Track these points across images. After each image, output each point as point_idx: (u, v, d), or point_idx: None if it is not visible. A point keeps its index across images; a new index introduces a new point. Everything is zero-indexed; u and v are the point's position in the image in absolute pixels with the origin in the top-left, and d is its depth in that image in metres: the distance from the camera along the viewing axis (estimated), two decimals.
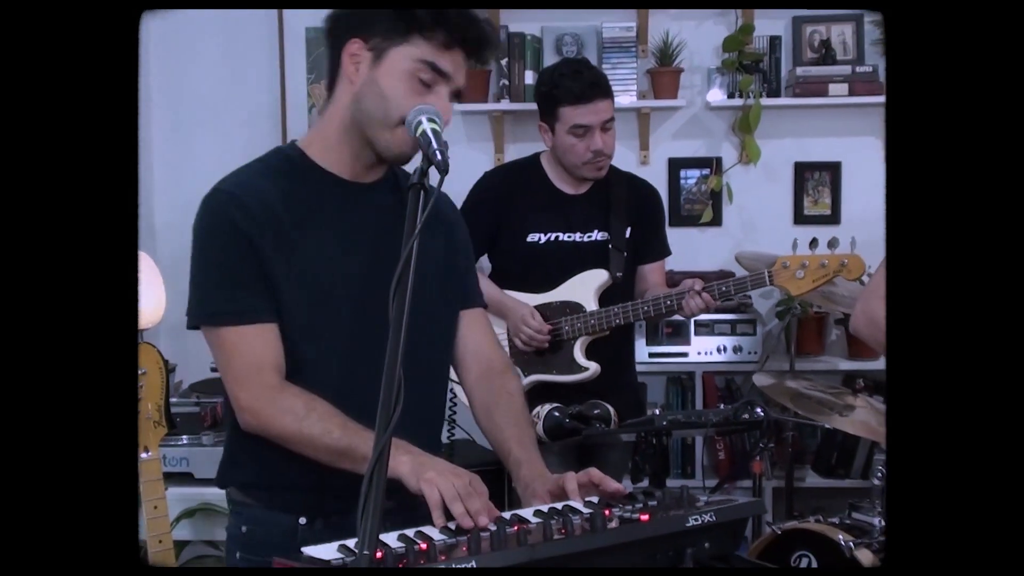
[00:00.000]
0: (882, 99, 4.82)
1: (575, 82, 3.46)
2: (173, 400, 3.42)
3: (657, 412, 3.48)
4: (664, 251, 3.78)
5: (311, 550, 1.66)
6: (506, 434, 2.27)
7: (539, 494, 2.05)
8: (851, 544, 3.32)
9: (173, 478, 3.84)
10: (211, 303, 2.09)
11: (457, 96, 2.11)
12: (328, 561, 1.63)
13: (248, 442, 2.13)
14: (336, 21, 2.13)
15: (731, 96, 4.96)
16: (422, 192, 1.69)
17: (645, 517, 1.73)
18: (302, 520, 2.15)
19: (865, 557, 3.31)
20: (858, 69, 4.89)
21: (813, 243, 3.37)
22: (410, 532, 1.73)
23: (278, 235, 2.09)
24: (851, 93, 4.86)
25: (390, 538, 1.69)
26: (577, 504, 1.90)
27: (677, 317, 3.78)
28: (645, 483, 3.29)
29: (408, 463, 1.92)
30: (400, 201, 1.97)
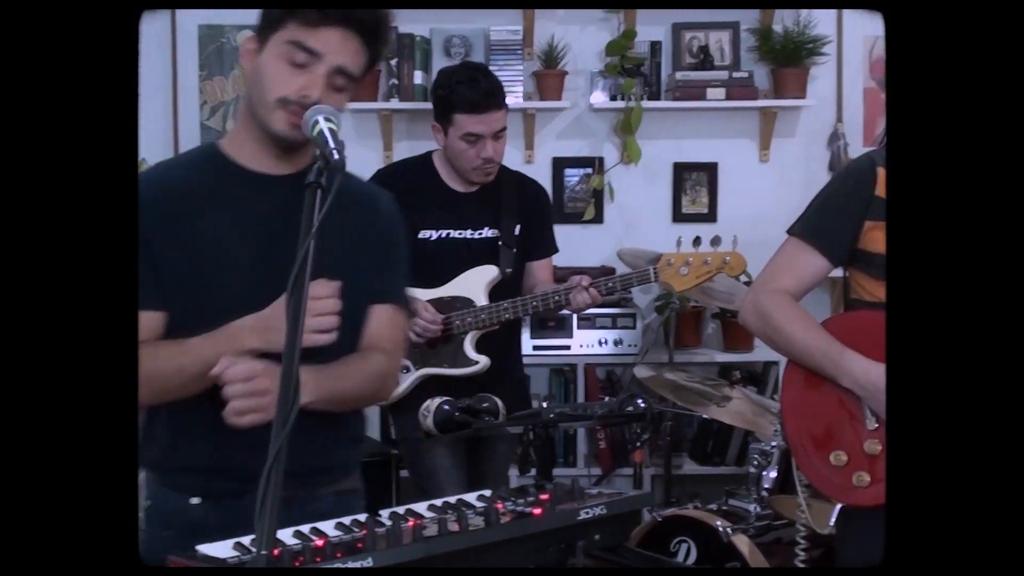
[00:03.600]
0: (757, 103, 5.04)
1: (471, 91, 3.52)
2: None
3: (544, 405, 3.59)
4: (552, 248, 3.86)
5: (206, 548, 1.65)
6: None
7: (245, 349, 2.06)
8: (728, 529, 3.47)
9: None
10: None
11: (345, 77, 2.09)
12: (224, 560, 1.63)
13: (148, 423, 2.18)
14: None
15: (613, 98, 5.09)
16: (319, 191, 1.68)
17: (538, 511, 1.80)
18: (194, 500, 2.18)
19: (742, 542, 3.46)
20: (735, 74, 5.07)
21: (696, 241, 3.47)
22: (305, 528, 1.74)
23: (174, 225, 2.11)
24: (728, 97, 5.04)
25: (286, 534, 1.70)
26: (470, 498, 1.94)
27: (563, 310, 3.88)
28: (533, 474, 3.40)
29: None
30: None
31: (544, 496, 1.90)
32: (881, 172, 2.46)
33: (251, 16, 2.22)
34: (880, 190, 2.45)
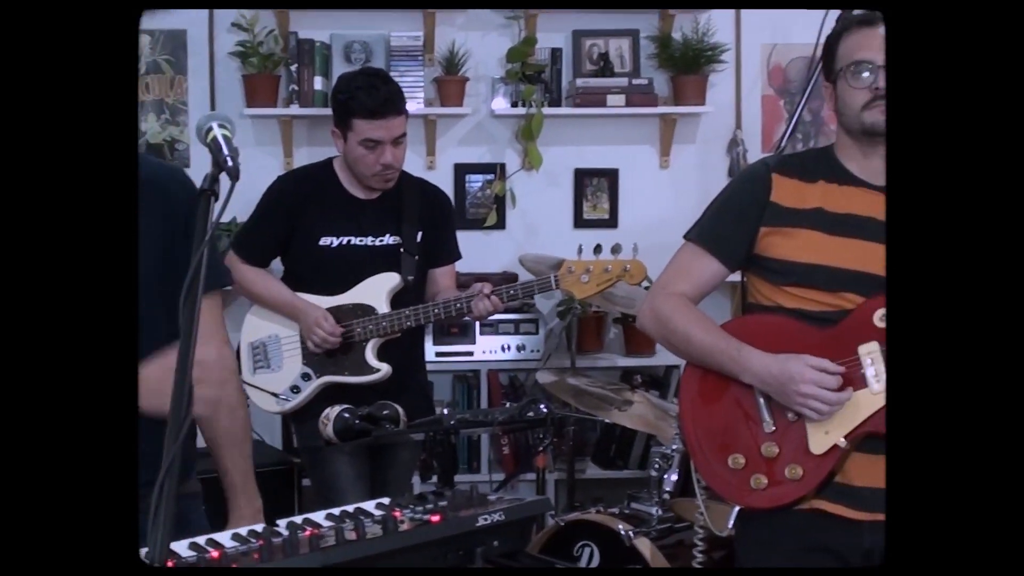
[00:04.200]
0: (657, 110, 5.10)
1: (370, 97, 3.51)
2: None
3: (445, 411, 3.59)
4: (454, 255, 3.87)
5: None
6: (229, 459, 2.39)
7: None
8: (630, 533, 3.49)
9: None
10: None
11: None
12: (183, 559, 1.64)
13: None
14: None
15: (515, 105, 5.11)
16: (212, 198, 1.67)
17: (436, 518, 1.81)
18: None
19: (644, 545, 3.49)
20: (634, 81, 5.11)
21: (597, 249, 3.49)
22: (201, 540, 1.74)
23: None
24: (628, 104, 5.09)
25: (181, 546, 1.70)
26: (368, 507, 1.95)
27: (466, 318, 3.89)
28: (434, 481, 3.40)
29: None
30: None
31: (443, 503, 1.91)
32: (776, 178, 2.50)
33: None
34: (775, 196, 2.49)
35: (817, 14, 3.18)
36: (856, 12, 2.55)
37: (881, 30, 2.45)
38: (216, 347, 2.30)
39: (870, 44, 2.43)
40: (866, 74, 2.42)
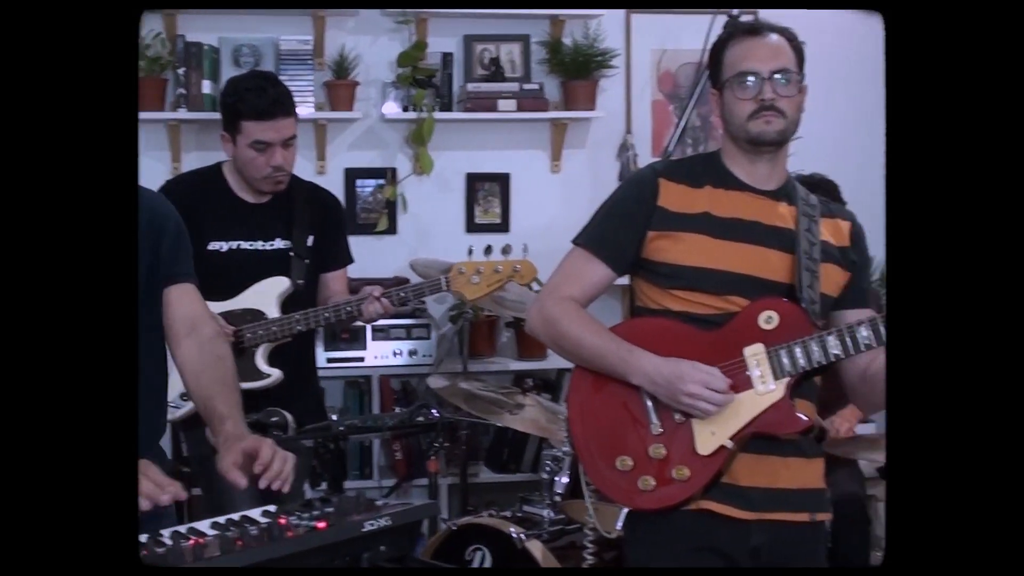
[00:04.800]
0: (547, 115, 5.13)
1: (259, 98, 3.48)
2: None
3: (335, 417, 3.58)
4: (345, 259, 3.84)
5: None
6: (213, 391, 2.31)
7: (233, 451, 2.13)
8: (522, 536, 3.51)
9: None
10: None
11: None
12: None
13: None
14: None
15: (406, 109, 5.09)
16: None
17: (322, 524, 1.80)
18: None
19: (536, 548, 3.50)
20: (525, 86, 5.14)
21: (488, 250, 3.52)
22: None
23: None
24: (519, 109, 5.11)
25: None
26: (254, 514, 1.94)
27: (356, 321, 3.87)
28: (324, 487, 3.39)
29: None
30: None
31: (329, 509, 1.90)
32: (663, 182, 2.53)
33: None
34: (663, 200, 2.51)
35: (706, 20, 3.22)
36: (742, 20, 2.59)
37: (767, 39, 2.49)
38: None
39: (755, 54, 2.47)
40: (751, 85, 2.46)
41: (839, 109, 5.41)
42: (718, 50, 2.56)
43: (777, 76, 2.46)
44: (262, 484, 2.04)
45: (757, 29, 2.52)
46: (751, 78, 2.45)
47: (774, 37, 2.51)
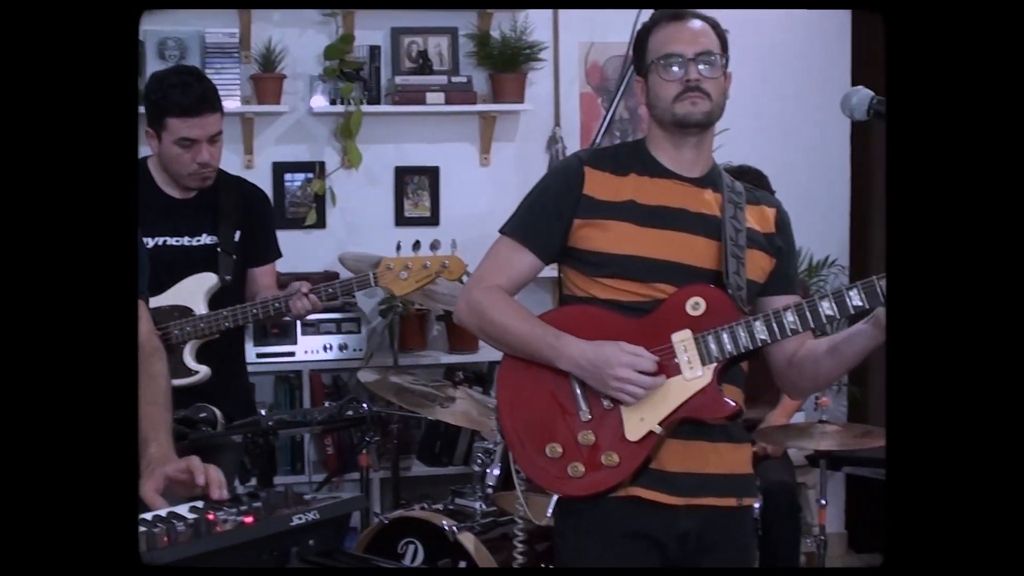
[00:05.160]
0: (476, 108, 5.13)
1: (184, 95, 3.45)
2: None
3: (263, 412, 3.55)
4: (274, 254, 3.82)
5: None
6: (140, 412, 2.27)
7: (155, 477, 2.07)
8: (455, 528, 3.52)
9: None
10: None
11: None
12: None
13: None
14: None
15: (333, 102, 5.06)
16: None
17: (250, 519, 1.79)
18: None
19: (468, 540, 3.51)
20: (454, 79, 5.13)
21: (416, 245, 3.51)
22: None
23: None
24: (447, 102, 5.10)
25: None
26: (181, 510, 1.91)
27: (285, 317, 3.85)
28: (254, 483, 3.37)
29: None
30: None
31: (257, 504, 1.88)
32: (588, 171, 2.54)
33: None
34: (588, 188, 2.52)
35: (633, 14, 3.23)
36: (666, 9, 2.61)
37: (691, 24, 2.52)
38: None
39: (680, 37, 2.50)
40: (676, 67, 2.48)
41: (766, 101, 5.47)
42: (643, 37, 2.58)
43: (701, 58, 2.48)
44: (214, 495, 2.02)
45: (681, 15, 2.54)
46: (676, 60, 2.48)
47: (698, 23, 2.54)
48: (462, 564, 3.51)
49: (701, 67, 2.48)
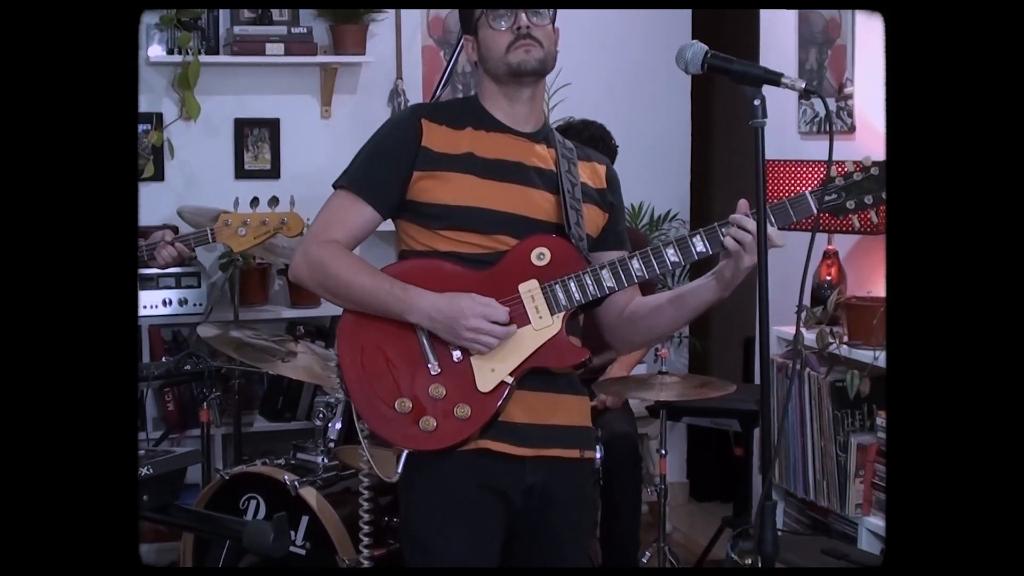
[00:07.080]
0: (317, 59, 5.07)
1: None
2: None
3: None
4: None
5: None
6: None
7: None
8: (296, 483, 3.51)
9: None
10: None
11: None
12: None
13: None
14: None
15: (171, 52, 4.96)
16: None
17: None
18: None
19: (310, 494, 3.50)
20: (294, 30, 5.06)
21: (254, 202, 3.48)
22: None
23: None
24: (287, 53, 5.04)
25: None
26: None
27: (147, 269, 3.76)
28: None
29: None
30: None
31: None
32: (425, 123, 2.52)
33: None
34: (426, 141, 2.51)
35: None
36: None
37: None
38: None
39: None
40: (505, 15, 2.49)
41: (608, 57, 5.53)
42: None
43: (529, 9, 2.49)
44: None
45: None
46: (504, 10, 2.49)
47: None
48: (304, 519, 3.50)
49: (530, 15, 2.49)
